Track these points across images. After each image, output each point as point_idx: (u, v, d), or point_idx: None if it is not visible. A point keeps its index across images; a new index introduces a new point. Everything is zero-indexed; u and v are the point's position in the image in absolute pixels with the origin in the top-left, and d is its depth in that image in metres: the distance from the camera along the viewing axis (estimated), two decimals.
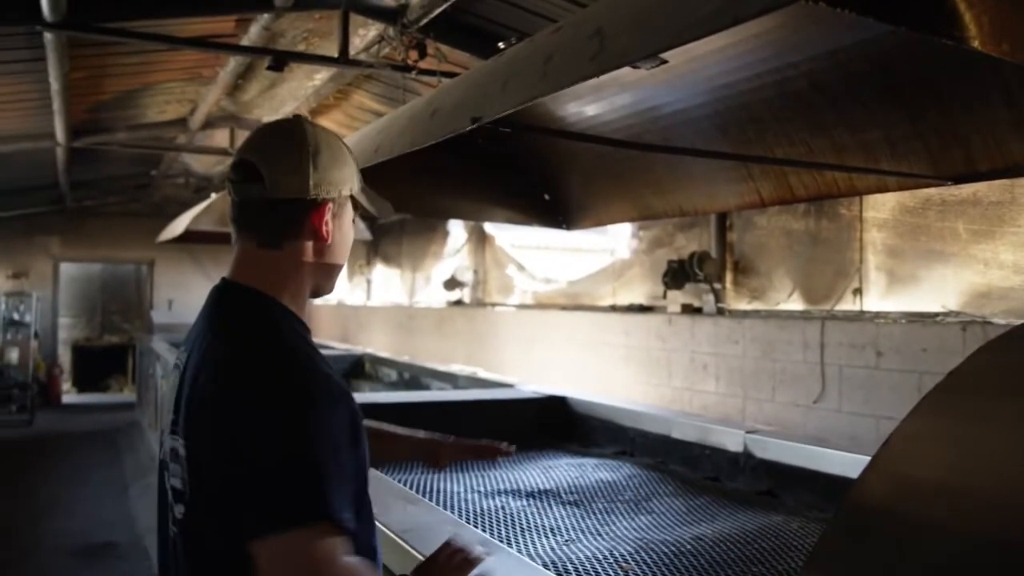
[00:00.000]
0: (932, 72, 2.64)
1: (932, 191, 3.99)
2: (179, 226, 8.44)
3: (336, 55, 4.98)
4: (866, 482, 1.25)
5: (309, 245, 1.48)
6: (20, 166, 9.26)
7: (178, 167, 11.22)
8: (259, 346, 1.39)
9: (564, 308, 6.99)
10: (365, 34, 5.27)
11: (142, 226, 12.69)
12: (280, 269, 1.47)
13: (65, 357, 15.16)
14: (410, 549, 1.94)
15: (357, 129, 5.51)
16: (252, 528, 1.26)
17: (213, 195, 8.98)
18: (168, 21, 5.19)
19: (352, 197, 1.53)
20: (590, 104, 3.44)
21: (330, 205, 1.47)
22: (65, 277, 14.44)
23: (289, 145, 1.46)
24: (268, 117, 8.28)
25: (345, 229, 1.53)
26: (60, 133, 7.40)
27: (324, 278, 1.53)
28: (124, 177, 11.47)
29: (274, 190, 1.43)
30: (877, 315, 4.29)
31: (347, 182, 1.51)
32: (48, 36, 4.70)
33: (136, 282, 16.04)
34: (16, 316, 12.69)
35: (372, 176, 3.23)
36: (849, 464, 3.04)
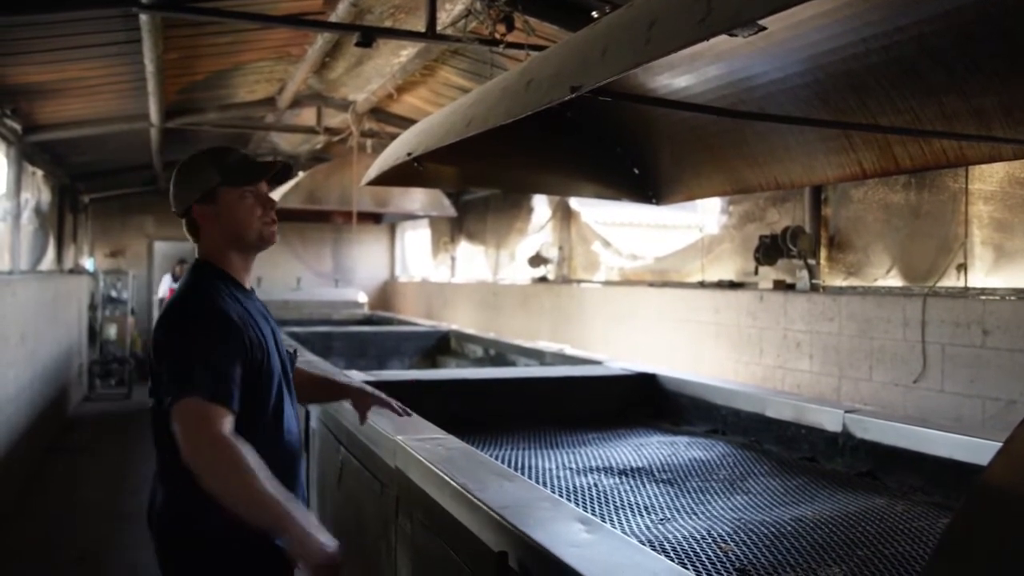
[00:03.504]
0: None
1: None
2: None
3: (423, 30, 4.97)
4: (998, 466, 1.17)
5: (209, 228, 2.31)
6: (115, 147, 9.53)
7: (267, 146, 11.41)
8: (178, 293, 2.26)
9: (651, 285, 6.90)
10: (452, 8, 5.25)
11: None
12: (208, 244, 2.32)
13: None
14: (507, 525, 1.92)
15: (443, 106, 5.50)
16: (164, 402, 2.04)
17: (300, 174, 9.12)
18: (259, 0, 5.25)
19: (221, 185, 2.26)
20: (683, 75, 3.35)
21: (196, 207, 2.29)
22: (159, 256, 14.85)
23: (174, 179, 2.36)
24: (354, 95, 8.35)
25: (225, 206, 2.27)
26: (154, 114, 7.57)
27: (236, 238, 2.29)
28: None
29: (176, 208, 2.36)
30: (983, 291, 4.11)
31: (196, 190, 2.28)
32: (143, 18, 4.79)
33: None
34: (114, 293, 13.11)
35: (458, 152, 3.22)
36: (957, 446, 2.92)
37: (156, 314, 13.61)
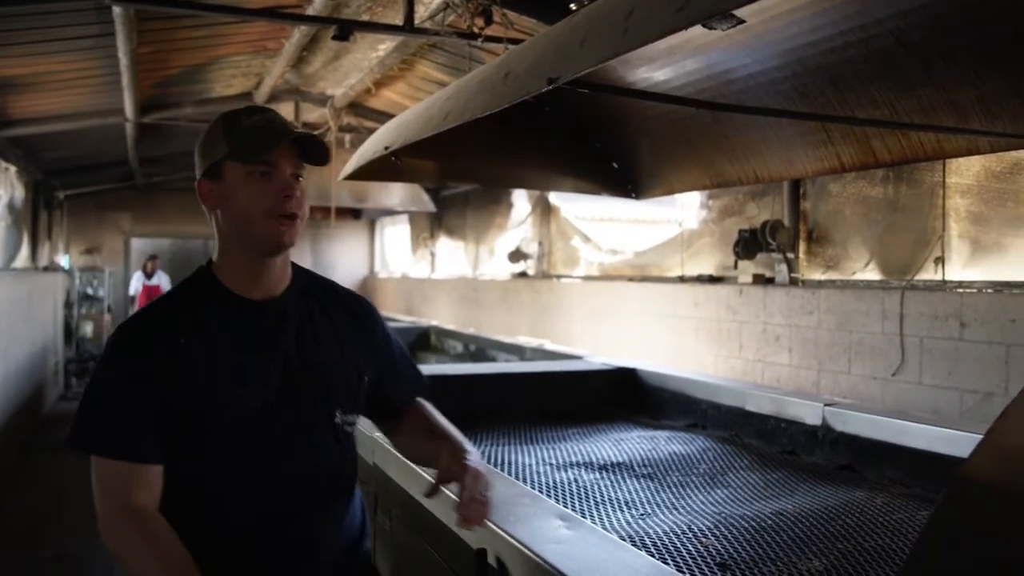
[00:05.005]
0: None
1: (1021, 154, 3.82)
2: None
3: (401, 24, 4.93)
4: (980, 458, 1.16)
5: (216, 215, 1.78)
6: (90, 143, 9.42)
7: None
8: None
9: (631, 280, 6.89)
10: (430, 2, 5.21)
11: None
12: (217, 236, 1.81)
13: None
14: (487, 522, 1.90)
15: (422, 100, 5.47)
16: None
17: None
18: None
19: (227, 158, 1.71)
20: (662, 68, 3.34)
21: (202, 183, 1.76)
22: (136, 252, 14.72)
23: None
24: (332, 90, 8.29)
25: (229, 188, 1.72)
26: (129, 109, 7.49)
27: (239, 232, 1.74)
28: (192, 153, 11.55)
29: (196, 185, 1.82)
30: (960, 285, 4.13)
31: (203, 161, 1.76)
32: (117, 10, 4.72)
33: (205, 256, 16.23)
34: (90, 291, 13.00)
35: (436, 146, 3.19)
36: (935, 438, 2.93)
37: (131, 311, 13.52)
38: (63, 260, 13.22)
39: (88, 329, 12.63)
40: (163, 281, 13.34)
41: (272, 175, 1.69)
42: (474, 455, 1.81)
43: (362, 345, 1.91)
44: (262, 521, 1.72)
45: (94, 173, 12.03)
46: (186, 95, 8.16)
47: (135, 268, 14.11)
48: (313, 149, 1.73)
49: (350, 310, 1.93)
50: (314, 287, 1.90)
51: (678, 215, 6.48)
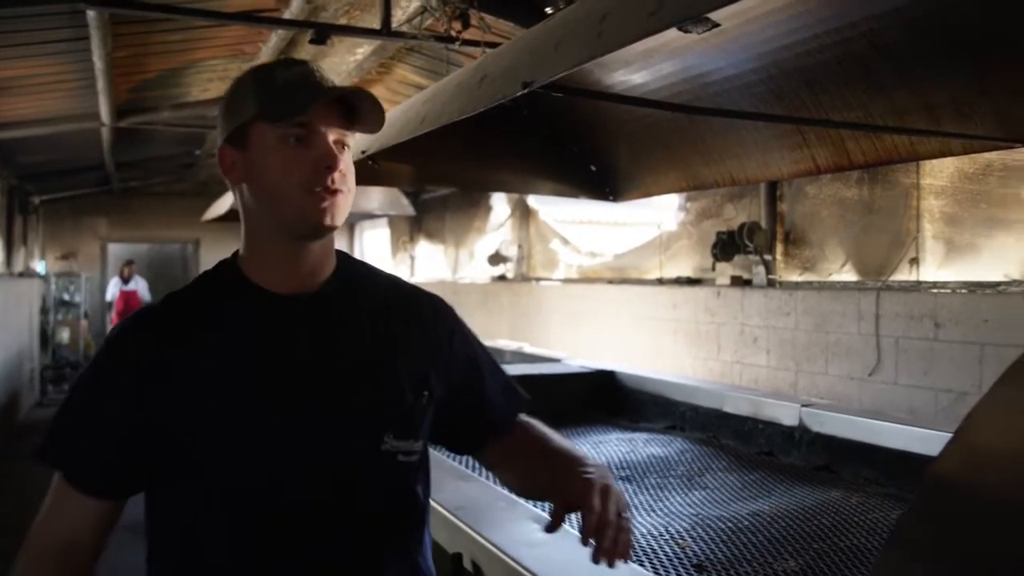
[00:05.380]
0: (1001, 26, 2.52)
1: (993, 156, 3.86)
2: (224, 204, 8.47)
3: (378, 27, 4.92)
4: (949, 457, 1.17)
5: (240, 190, 1.40)
6: (66, 147, 9.34)
7: None
8: None
9: (610, 282, 6.91)
10: (407, 5, 5.20)
11: (187, 205, 12.79)
12: (243, 217, 1.42)
13: None
14: (462, 526, 1.90)
15: (400, 103, 5.46)
16: None
17: None
18: None
19: (256, 119, 1.35)
20: (638, 72, 3.35)
21: (225, 150, 1.39)
22: (112, 257, 14.62)
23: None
24: None
25: (257, 155, 1.35)
26: (104, 113, 7.43)
27: (267, 210, 1.37)
28: (169, 157, 11.54)
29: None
30: (935, 285, 4.16)
31: (226, 124, 1.39)
32: (91, 14, 4.68)
33: (183, 261, 16.22)
34: (66, 296, 12.89)
35: (413, 150, 3.19)
36: (910, 438, 2.96)
37: (109, 318, 13.42)
38: (39, 266, 13.10)
39: (64, 335, 12.52)
40: (140, 286, 13.26)
41: (310, 140, 1.33)
42: (598, 468, 1.43)
43: (427, 353, 1.48)
44: None
45: (70, 178, 11.93)
46: (163, 99, 8.11)
47: (112, 273, 14.01)
48: (363, 110, 1.36)
49: (412, 310, 1.52)
50: (364, 280, 1.51)
51: (656, 218, 6.50)
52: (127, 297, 12.85)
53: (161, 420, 1.31)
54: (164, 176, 12.90)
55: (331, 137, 1.34)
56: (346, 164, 1.37)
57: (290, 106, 1.30)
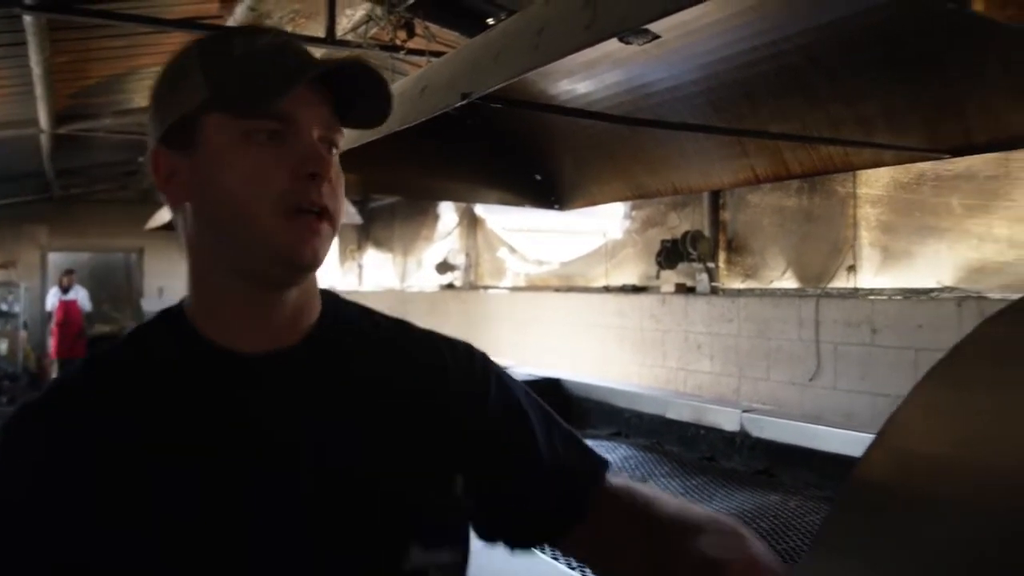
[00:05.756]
0: (930, 42, 2.60)
1: (926, 166, 3.96)
2: (168, 213, 8.36)
3: (323, 36, 4.91)
4: (872, 459, 1.20)
5: (185, 210, 0.96)
6: (4, 154, 9.16)
7: None
8: None
9: (557, 290, 6.96)
10: (352, 14, 5.20)
11: (131, 213, 12.56)
12: (186, 251, 0.99)
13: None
14: None
15: None
16: None
17: None
18: (153, 2, 5.11)
19: (206, 108, 0.91)
20: (582, 82, 3.39)
21: (157, 154, 0.97)
22: (53, 267, 14.32)
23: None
24: None
25: (208, 158, 0.91)
26: (44, 120, 7.29)
27: (225, 239, 0.93)
28: (111, 164, 11.35)
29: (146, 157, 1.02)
30: (871, 292, 4.26)
31: (162, 118, 0.97)
32: (28, 19, 4.61)
33: (126, 270, 15.94)
34: (4, 307, 12.61)
35: (360, 158, 3.19)
36: (846, 441, 3.02)
37: (48, 328, 13.13)
38: None
39: (3, 346, 12.25)
40: (80, 296, 12.99)
41: (287, 137, 0.90)
42: (743, 536, 0.99)
43: (452, 423, 1.02)
44: None
45: (8, 185, 11.67)
46: (105, 106, 7.98)
47: (52, 283, 13.72)
48: (361, 92, 0.94)
49: (431, 367, 1.06)
50: (361, 329, 1.07)
51: (602, 226, 6.56)
52: (67, 307, 12.59)
53: (75, 560, 0.86)
54: (107, 183, 12.68)
55: (315, 133, 0.91)
56: (336, 172, 0.94)
57: (258, 88, 0.88)
